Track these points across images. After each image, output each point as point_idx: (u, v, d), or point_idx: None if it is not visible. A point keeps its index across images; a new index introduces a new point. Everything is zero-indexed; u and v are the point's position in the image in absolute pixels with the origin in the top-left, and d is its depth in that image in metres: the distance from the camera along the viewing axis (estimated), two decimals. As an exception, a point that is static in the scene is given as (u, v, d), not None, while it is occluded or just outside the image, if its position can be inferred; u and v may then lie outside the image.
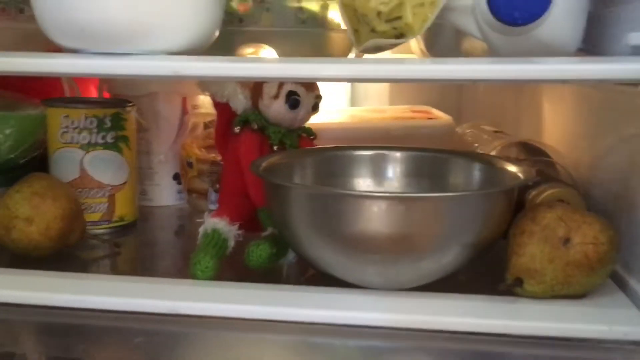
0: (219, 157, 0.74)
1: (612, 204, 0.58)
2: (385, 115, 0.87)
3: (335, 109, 0.93)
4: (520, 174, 0.53)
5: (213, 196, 0.75)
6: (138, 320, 0.50)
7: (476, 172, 0.60)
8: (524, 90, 0.83)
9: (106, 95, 0.80)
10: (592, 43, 0.57)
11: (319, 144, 0.68)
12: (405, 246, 0.48)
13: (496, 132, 0.75)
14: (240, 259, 0.57)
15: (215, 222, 0.58)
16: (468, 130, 0.78)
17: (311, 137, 0.69)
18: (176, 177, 0.80)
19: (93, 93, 0.86)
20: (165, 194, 0.80)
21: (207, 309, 0.51)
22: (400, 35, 0.55)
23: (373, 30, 0.55)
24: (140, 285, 0.54)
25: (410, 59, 0.58)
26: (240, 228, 0.60)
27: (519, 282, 0.50)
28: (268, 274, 0.57)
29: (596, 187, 0.62)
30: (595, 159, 0.63)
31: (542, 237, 0.50)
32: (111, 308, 0.51)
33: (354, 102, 1.06)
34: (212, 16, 0.52)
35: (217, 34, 0.54)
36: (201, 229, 0.58)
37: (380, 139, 0.75)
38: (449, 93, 0.98)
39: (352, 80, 0.56)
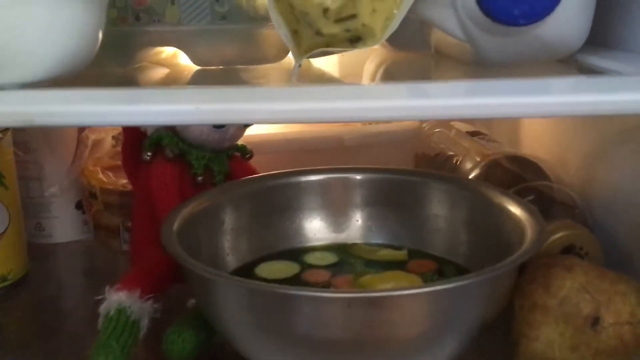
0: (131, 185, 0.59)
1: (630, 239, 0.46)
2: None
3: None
4: (526, 223, 0.40)
5: (127, 235, 0.59)
6: None
7: (462, 203, 0.47)
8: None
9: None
10: (603, 32, 0.44)
11: (254, 163, 0.54)
12: (378, 352, 0.34)
13: (472, 133, 0.61)
14: (159, 339, 0.43)
15: (120, 300, 0.43)
16: (436, 130, 0.64)
17: (246, 157, 0.54)
18: (79, 205, 0.64)
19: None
20: (68, 227, 0.64)
21: None
22: (357, 39, 0.40)
23: (319, 33, 0.40)
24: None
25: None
26: (158, 289, 0.46)
27: (531, 375, 0.38)
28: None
29: (600, 210, 0.50)
30: (605, 176, 0.50)
31: (560, 316, 0.37)
32: None
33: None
34: (86, 25, 0.36)
35: (96, 47, 0.38)
36: (102, 309, 0.43)
37: (332, 150, 0.61)
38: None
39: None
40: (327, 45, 0.40)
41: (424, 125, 0.67)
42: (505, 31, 0.39)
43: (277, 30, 0.39)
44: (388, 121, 0.60)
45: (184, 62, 0.50)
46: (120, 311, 0.43)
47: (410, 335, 0.34)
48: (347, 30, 0.39)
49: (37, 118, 0.32)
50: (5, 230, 0.54)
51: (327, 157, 0.60)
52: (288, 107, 0.32)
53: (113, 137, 0.65)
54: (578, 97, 0.33)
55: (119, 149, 0.63)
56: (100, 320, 0.43)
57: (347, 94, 0.35)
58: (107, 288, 0.44)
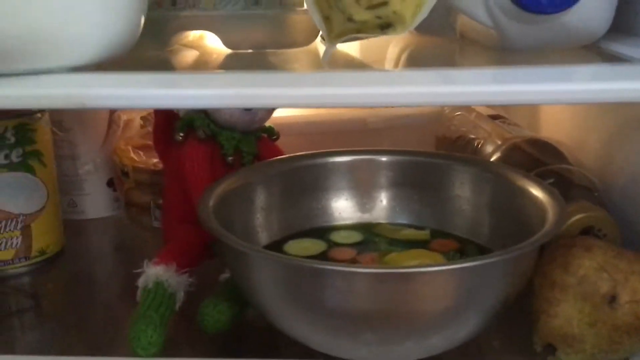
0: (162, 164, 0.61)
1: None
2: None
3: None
4: (547, 205, 0.42)
5: (157, 212, 0.61)
6: None
7: (485, 185, 0.48)
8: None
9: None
10: (626, 19, 0.45)
11: (280, 144, 0.56)
12: (406, 324, 0.37)
13: (492, 116, 0.63)
14: (193, 311, 0.46)
15: (158, 274, 0.46)
16: (457, 114, 0.66)
17: (273, 138, 0.56)
18: (111, 183, 0.66)
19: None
20: (99, 204, 0.67)
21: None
22: (387, 25, 0.41)
23: (350, 19, 0.41)
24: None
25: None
26: (192, 264, 0.48)
27: (550, 349, 0.39)
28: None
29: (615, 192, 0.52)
30: (624, 161, 0.52)
31: (579, 293, 0.39)
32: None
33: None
34: (132, 9, 0.37)
35: (139, 31, 0.39)
36: (140, 282, 0.46)
37: (355, 133, 0.62)
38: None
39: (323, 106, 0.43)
40: (358, 31, 0.41)
41: (445, 108, 0.68)
42: (532, 19, 0.40)
43: (310, 16, 0.41)
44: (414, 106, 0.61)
45: (211, 44, 0.51)
46: (159, 284, 0.45)
47: (436, 310, 0.36)
48: (378, 17, 0.41)
49: (88, 101, 0.34)
50: (44, 206, 0.56)
51: (351, 139, 0.61)
52: (323, 92, 0.33)
53: (141, 118, 0.67)
54: (600, 85, 0.34)
55: (149, 129, 0.65)
56: (139, 292, 0.45)
57: (377, 80, 0.37)
58: (145, 262, 0.46)
